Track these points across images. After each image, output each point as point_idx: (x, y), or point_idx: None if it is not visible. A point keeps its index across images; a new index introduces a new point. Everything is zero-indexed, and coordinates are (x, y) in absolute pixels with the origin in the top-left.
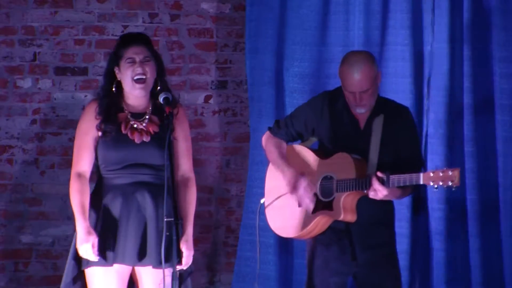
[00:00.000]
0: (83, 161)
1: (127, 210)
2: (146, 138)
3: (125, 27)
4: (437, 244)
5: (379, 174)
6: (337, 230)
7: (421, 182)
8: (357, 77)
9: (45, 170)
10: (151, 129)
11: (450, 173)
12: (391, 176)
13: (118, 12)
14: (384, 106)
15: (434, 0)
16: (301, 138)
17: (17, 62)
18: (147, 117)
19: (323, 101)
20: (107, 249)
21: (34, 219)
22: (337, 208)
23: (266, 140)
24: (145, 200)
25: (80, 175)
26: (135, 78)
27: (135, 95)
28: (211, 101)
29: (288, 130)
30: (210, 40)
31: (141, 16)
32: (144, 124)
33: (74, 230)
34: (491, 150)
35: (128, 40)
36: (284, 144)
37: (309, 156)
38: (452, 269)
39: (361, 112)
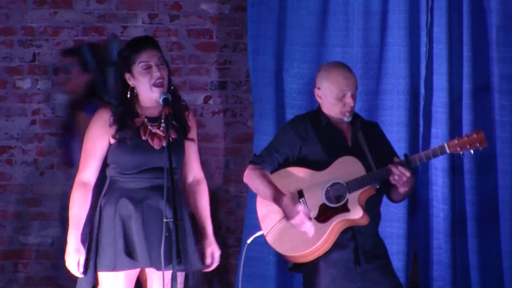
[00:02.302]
0: (89, 170)
1: (143, 214)
2: (165, 143)
3: (125, 27)
4: (436, 245)
5: (396, 159)
6: (343, 241)
7: (448, 152)
8: (350, 76)
9: (44, 171)
10: (171, 134)
11: (475, 135)
12: (410, 156)
13: (118, 12)
14: (359, 121)
15: (433, 1)
16: (286, 162)
17: (16, 62)
18: (162, 120)
19: (304, 121)
20: (132, 252)
21: (33, 220)
22: (355, 208)
23: (251, 174)
24: (161, 204)
25: (83, 184)
26: (154, 83)
27: (153, 98)
28: (211, 101)
29: (273, 157)
30: (209, 40)
31: (140, 16)
32: (161, 129)
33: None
34: (491, 151)
35: (139, 44)
36: (268, 173)
37: (304, 173)
38: (451, 270)
39: (349, 120)
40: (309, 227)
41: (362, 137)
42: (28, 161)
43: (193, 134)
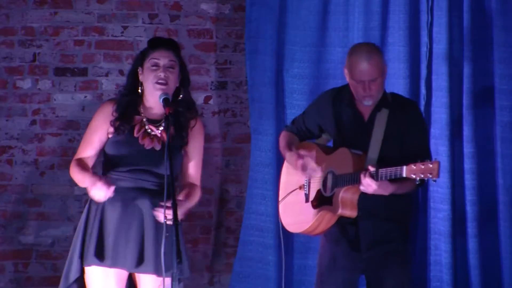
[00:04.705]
0: (84, 153)
1: (126, 215)
2: (157, 146)
3: (125, 27)
4: (435, 245)
5: (370, 168)
6: (345, 224)
7: (404, 175)
8: (367, 64)
9: (44, 171)
10: (164, 137)
11: (430, 165)
12: (380, 170)
13: (118, 13)
14: (390, 101)
15: (434, 1)
16: (312, 135)
17: (17, 62)
18: (163, 124)
19: (329, 98)
20: (106, 251)
21: (34, 220)
22: (336, 203)
23: (281, 137)
24: (146, 207)
25: (79, 159)
26: (157, 81)
27: (155, 96)
28: (211, 101)
29: (300, 127)
30: (209, 40)
31: (140, 16)
32: (159, 131)
33: (74, 231)
34: (491, 151)
35: (157, 42)
36: (295, 137)
37: (316, 152)
38: (451, 270)
39: (369, 104)
40: (315, 169)
41: (384, 118)
42: (28, 161)
43: (191, 145)
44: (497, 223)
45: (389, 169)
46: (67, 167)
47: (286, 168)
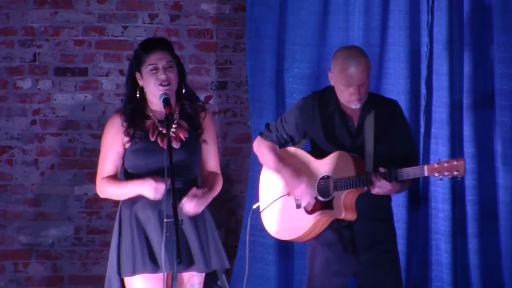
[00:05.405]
0: (108, 171)
1: (159, 219)
2: (176, 145)
3: (125, 27)
4: (436, 245)
5: (381, 169)
6: (339, 227)
7: (426, 174)
8: (356, 70)
9: (44, 171)
10: (181, 135)
11: (455, 163)
12: (393, 170)
13: (118, 12)
14: (374, 102)
15: (434, 1)
16: (292, 141)
17: (17, 62)
18: (175, 121)
19: (314, 102)
20: (147, 258)
21: (33, 220)
22: (338, 207)
23: (258, 144)
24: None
25: (108, 177)
26: (160, 83)
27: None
28: (211, 101)
29: (279, 133)
30: (210, 40)
31: (141, 16)
32: (173, 130)
33: (74, 231)
34: (491, 151)
35: (150, 45)
36: (277, 147)
37: (305, 158)
38: (452, 270)
39: (357, 107)
40: (310, 201)
41: (371, 120)
42: (28, 161)
43: (206, 135)
44: (497, 223)
45: (404, 169)
46: (67, 167)
47: (265, 177)
